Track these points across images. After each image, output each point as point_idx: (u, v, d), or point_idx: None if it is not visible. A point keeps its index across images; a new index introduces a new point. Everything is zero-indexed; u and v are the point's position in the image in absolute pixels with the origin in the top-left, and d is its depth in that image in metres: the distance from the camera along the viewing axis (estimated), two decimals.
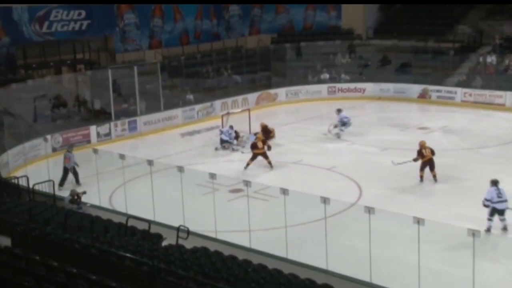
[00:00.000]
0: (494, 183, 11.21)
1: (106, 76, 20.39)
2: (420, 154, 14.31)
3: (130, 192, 12.93)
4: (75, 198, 11.66)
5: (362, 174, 15.09)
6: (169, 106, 21.72)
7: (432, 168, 14.24)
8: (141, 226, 9.93)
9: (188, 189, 12.28)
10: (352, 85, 25.20)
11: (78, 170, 14.89)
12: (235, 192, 13.42)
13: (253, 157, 15.92)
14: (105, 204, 12.79)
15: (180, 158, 17.08)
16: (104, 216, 10.92)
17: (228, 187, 13.76)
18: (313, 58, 26.49)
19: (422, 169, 14.25)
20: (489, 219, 11.16)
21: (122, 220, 10.22)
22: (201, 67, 23.96)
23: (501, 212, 11.12)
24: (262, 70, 25.38)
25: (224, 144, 17.97)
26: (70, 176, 14.87)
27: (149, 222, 9.93)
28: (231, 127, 18.41)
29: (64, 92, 20.60)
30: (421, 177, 14.22)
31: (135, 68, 20.74)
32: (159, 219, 11.16)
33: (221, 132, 18.25)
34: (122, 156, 12.31)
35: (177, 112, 21.53)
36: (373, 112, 22.87)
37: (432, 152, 14.34)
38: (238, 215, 11.28)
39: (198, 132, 20.61)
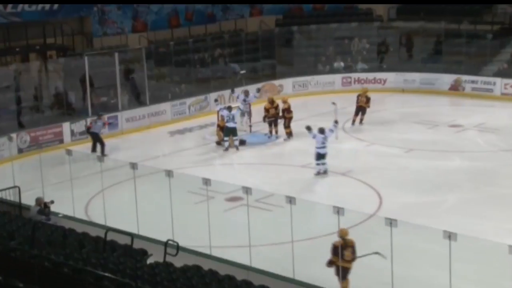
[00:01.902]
0: (321, 131, 15.74)
1: (82, 64, 20.39)
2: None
3: (109, 200, 12.92)
4: (43, 207, 11.66)
5: (382, 180, 15.07)
6: (156, 99, 21.73)
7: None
8: (123, 240, 9.92)
9: (178, 197, 12.24)
10: (370, 75, 25.19)
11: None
12: (233, 200, 13.42)
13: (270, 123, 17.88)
14: (80, 214, 12.79)
15: (168, 161, 17.07)
16: (79, 228, 10.91)
17: (224, 194, 13.75)
18: (325, 44, 26.51)
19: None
20: (317, 164, 15.55)
21: (101, 233, 10.21)
22: (194, 54, 23.97)
23: (323, 156, 15.55)
24: (265, 58, 25.39)
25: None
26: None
27: (132, 235, 9.92)
28: (229, 108, 18.48)
29: (32, 83, 20.60)
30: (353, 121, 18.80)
31: (116, 55, 20.75)
32: (144, 232, 11.15)
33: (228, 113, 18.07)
34: (100, 158, 12.30)
35: (165, 106, 21.55)
36: (396, 107, 22.86)
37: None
38: (236, 227, 11.25)
39: (190, 130, 20.63)
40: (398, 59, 25.73)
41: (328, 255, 9.81)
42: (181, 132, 20.51)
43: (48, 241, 9.56)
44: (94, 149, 17.93)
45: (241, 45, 24.98)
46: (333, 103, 17.67)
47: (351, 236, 9.75)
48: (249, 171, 16.44)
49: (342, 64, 25.91)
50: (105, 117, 18.89)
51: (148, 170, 13.89)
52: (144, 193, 12.58)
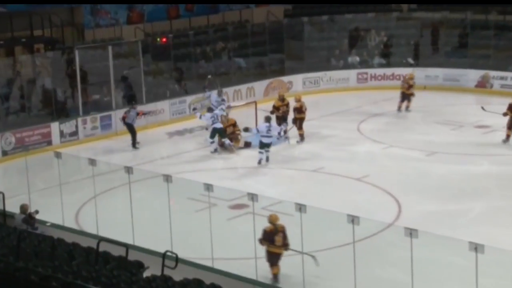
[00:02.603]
0: (267, 119, 16.89)
1: (72, 58, 20.46)
2: None
3: (102, 208, 12.95)
4: (29, 217, 11.68)
5: (401, 186, 15.06)
6: (153, 97, 21.77)
7: None
8: (117, 251, 9.93)
9: (177, 204, 12.28)
10: (389, 71, 25.19)
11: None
12: (237, 208, 13.43)
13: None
14: (70, 223, 12.82)
15: (167, 165, 17.09)
16: (69, 238, 10.92)
17: (228, 201, 13.75)
18: (339, 36, 26.50)
19: None
20: (260, 152, 16.76)
21: (92, 244, 10.22)
22: (194, 47, 24.02)
23: (266, 145, 16.72)
24: (272, 52, 25.40)
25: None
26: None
27: (127, 246, 9.93)
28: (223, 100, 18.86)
29: (17, 79, 20.65)
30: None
31: (110, 48, 20.80)
32: (140, 242, 11.16)
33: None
34: (92, 162, 12.33)
35: (163, 105, 21.59)
36: (416, 105, 22.80)
37: None
38: (241, 238, 11.27)
39: (190, 131, 20.65)
40: (420, 53, 25.68)
41: (341, 268, 9.78)
42: (180, 133, 20.54)
43: (34, 252, 9.57)
44: (134, 144, 18.88)
45: (247, 38, 25.02)
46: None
47: (365, 246, 9.73)
48: (255, 176, 16.44)
49: (357, 59, 25.89)
50: (138, 106, 19.42)
51: (145, 175, 13.89)
52: (140, 199, 12.59)
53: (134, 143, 18.93)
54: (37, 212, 11.88)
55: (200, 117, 18.60)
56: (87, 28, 24.39)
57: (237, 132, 18.47)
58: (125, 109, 20.06)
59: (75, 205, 14.02)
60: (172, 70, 23.34)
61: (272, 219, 10.58)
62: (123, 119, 19.15)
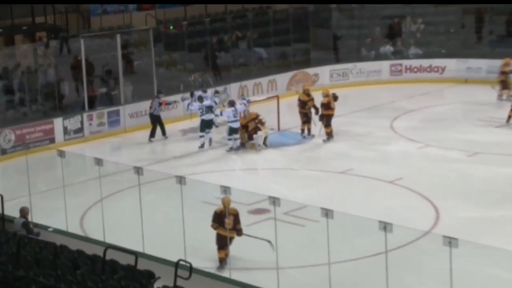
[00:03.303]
0: (231, 103, 18.11)
1: (77, 48, 20.55)
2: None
3: (109, 211, 13.01)
4: (28, 220, 11.76)
5: (439, 189, 14.98)
6: (166, 91, 21.82)
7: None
8: (125, 260, 9.96)
9: (192, 208, 12.27)
10: (425, 62, 25.05)
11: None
12: (257, 213, 13.44)
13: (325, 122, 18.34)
14: (74, 228, 12.89)
15: (180, 165, 17.14)
16: (73, 245, 10.98)
17: (247, 206, 13.74)
18: (370, 24, 26.38)
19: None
20: (229, 139, 18.12)
21: (99, 251, 10.27)
22: (211, 36, 24.05)
23: (235, 131, 17.94)
24: (297, 41, 25.36)
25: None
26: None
27: (136, 254, 9.95)
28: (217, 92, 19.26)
29: (18, 70, 20.79)
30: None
31: (118, 37, 20.91)
32: (151, 250, 11.19)
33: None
34: (98, 161, 12.38)
35: (177, 99, 21.63)
36: (457, 101, 22.67)
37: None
38: (261, 246, 11.24)
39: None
40: (460, 43, 25.48)
41: (372, 280, 9.74)
42: (195, 130, 20.52)
43: (36, 260, 9.63)
44: (152, 135, 19.37)
45: (268, 26, 24.99)
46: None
47: (398, 256, 9.67)
48: (277, 177, 16.43)
49: (390, 48, 25.76)
50: (163, 95, 19.87)
51: (156, 176, 13.94)
52: (151, 203, 12.64)
53: (152, 134, 19.39)
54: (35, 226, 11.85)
55: (188, 107, 19.36)
56: (93, 15, 24.55)
57: (260, 126, 18.44)
58: (134, 104, 20.16)
59: (79, 209, 14.09)
60: (186, 61, 23.38)
61: (224, 201, 11.30)
62: (151, 108, 19.59)
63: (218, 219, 11.41)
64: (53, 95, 20.53)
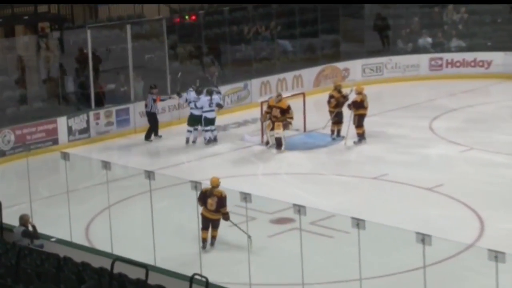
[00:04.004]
0: (209, 92, 18.93)
1: (83, 39, 20.65)
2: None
3: (118, 220, 13.05)
4: (29, 228, 11.83)
5: (484, 197, 14.88)
6: (180, 87, 21.85)
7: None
8: (135, 273, 10.00)
9: None
10: (469, 56, 24.93)
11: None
12: (281, 223, 13.43)
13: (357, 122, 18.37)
14: (79, 238, 12.95)
15: (195, 169, 17.20)
16: (78, 257, 11.03)
17: (270, 215, 13.77)
18: (407, 14, 26.26)
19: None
20: (206, 130, 18.99)
21: (106, 264, 10.31)
22: (230, 26, 24.08)
23: (211, 122, 18.93)
24: (325, 32, 25.32)
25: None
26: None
27: (147, 267, 9.99)
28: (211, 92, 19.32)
29: (18, 64, 20.90)
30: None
31: (128, 28, 20.99)
32: (162, 263, 11.22)
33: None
34: (106, 165, 12.43)
35: (173, 95, 21.63)
36: (504, 99, 22.49)
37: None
38: (285, 259, 11.24)
39: (224, 128, 20.71)
40: (508, 34, 25.29)
41: None
42: (212, 131, 20.59)
43: (37, 273, 9.68)
44: (148, 137, 19.64)
45: (294, 16, 24.98)
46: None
47: (438, 272, 9.60)
48: (303, 183, 16.39)
49: (429, 40, 25.64)
50: (157, 91, 19.94)
51: (169, 181, 13.97)
52: (163, 211, 12.65)
53: (149, 135, 19.64)
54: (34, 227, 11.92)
55: (186, 100, 19.55)
56: (101, 4, 24.62)
57: (289, 119, 18.50)
58: (144, 102, 20.20)
59: (85, 217, 14.15)
60: (203, 54, 23.40)
61: (212, 181, 12.54)
62: (145, 106, 19.89)
63: (202, 198, 12.20)
64: (57, 92, 20.65)
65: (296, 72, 23.67)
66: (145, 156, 18.72)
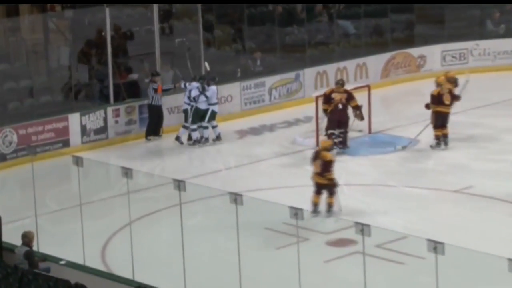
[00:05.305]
0: (214, 79, 19.65)
1: (100, 19, 20.79)
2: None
3: (140, 240, 13.12)
4: (33, 248, 11.94)
5: None
6: (218, 77, 21.92)
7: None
8: None
9: (250, 236, 12.33)
10: None
11: None
12: (340, 245, 13.46)
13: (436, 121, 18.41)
14: (93, 261, 13.04)
15: (235, 178, 17.26)
16: (92, 284, 11.15)
17: (326, 235, 13.83)
18: None
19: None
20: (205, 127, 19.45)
21: None
22: (278, 5, 24.04)
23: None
24: (396, 12, 25.18)
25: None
26: None
27: None
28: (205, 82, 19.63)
29: (23, 49, 21.09)
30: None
31: (155, 7, 21.12)
32: None
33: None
34: (127, 172, 12.52)
35: (232, 89, 21.78)
36: None
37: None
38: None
39: (271, 128, 20.79)
40: None
41: None
42: (256, 131, 20.65)
43: None
44: (149, 133, 19.97)
45: None
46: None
47: None
48: (367, 197, 16.34)
49: None
50: (159, 79, 20.18)
51: (203, 192, 14.03)
52: (195, 228, 12.72)
53: (149, 132, 19.99)
54: (44, 259, 12.00)
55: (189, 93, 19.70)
56: None
57: (358, 115, 18.67)
58: (176, 94, 20.27)
59: (101, 236, 14.26)
60: (245, 37, 23.42)
61: (321, 143, 15.85)
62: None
63: (314, 158, 15.07)
64: (68, 83, 20.80)
65: (360, 60, 23.63)
66: (174, 162, 18.81)
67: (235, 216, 11.18)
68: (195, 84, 19.49)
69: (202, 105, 19.31)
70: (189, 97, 19.46)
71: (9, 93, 20.05)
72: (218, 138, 19.60)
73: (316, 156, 14.90)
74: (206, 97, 19.35)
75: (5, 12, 22.63)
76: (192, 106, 19.34)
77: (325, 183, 14.73)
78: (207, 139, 19.41)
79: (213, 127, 19.57)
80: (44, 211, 14.33)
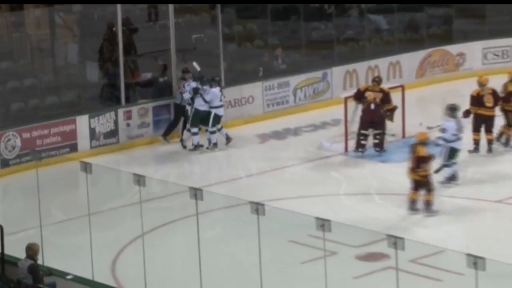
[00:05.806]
0: (218, 82, 19.74)
1: (111, 15, 20.83)
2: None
3: (153, 253, 13.15)
4: (37, 261, 11.97)
5: None
6: (238, 77, 21.94)
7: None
8: None
9: (273, 249, 12.31)
10: None
11: None
12: (371, 259, 13.43)
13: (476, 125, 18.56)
14: (103, 276, 13.08)
15: (256, 185, 17.25)
16: None
17: (356, 248, 13.77)
18: None
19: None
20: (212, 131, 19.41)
21: None
22: None
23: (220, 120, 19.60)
24: (432, 5, 25.12)
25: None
26: None
27: None
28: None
29: (28, 45, 21.19)
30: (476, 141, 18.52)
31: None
32: None
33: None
34: (139, 179, 12.54)
35: (254, 89, 21.79)
36: None
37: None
38: None
39: (295, 132, 20.78)
40: None
41: None
42: (279, 135, 20.65)
43: None
44: (168, 134, 20.19)
45: None
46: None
47: None
48: (401, 208, 16.28)
49: None
50: (189, 75, 20.07)
51: (222, 202, 14.04)
52: (213, 240, 12.71)
53: (168, 132, 20.24)
54: (49, 273, 12.05)
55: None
56: None
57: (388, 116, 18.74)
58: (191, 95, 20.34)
59: (111, 248, 14.28)
60: (268, 33, 23.43)
61: (418, 135, 16.05)
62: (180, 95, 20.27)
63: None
64: (76, 82, 20.89)
65: (393, 58, 23.60)
66: (191, 169, 18.82)
67: (257, 228, 11.17)
68: (193, 84, 19.44)
69: (201, 107, 19.26)
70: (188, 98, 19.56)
71: (13, 93, 20.13)
72: (228, 140, 19.55)
73: (412, 150, 15.52)
74: (205, 100, 19.27)
75: (8, 6, 22.73)
76: (191, 107, 19.39)
77: (418, 179, 15.30)
78: (215, 144, 19.33)
79: (219, 130, 19.54)
80: (49, 221, 14.35)
